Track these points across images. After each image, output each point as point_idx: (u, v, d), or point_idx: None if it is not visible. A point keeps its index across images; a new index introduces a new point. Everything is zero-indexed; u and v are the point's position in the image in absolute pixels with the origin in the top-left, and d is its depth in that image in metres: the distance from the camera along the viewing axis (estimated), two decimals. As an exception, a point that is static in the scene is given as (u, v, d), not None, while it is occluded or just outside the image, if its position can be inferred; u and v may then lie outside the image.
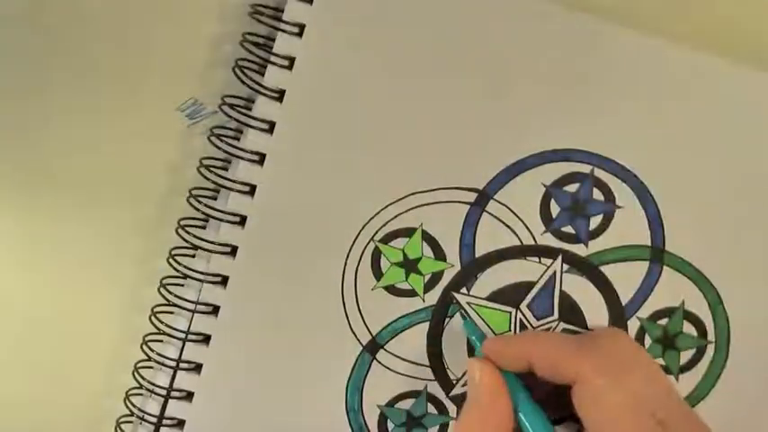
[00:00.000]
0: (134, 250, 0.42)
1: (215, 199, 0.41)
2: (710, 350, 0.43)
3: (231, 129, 0.40)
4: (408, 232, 0.41)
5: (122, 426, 0.42)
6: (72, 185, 0.42)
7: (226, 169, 0.40)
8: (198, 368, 0.41)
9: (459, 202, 0.41)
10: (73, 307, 0.42)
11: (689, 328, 0.43)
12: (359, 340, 0.42)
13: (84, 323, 0.42)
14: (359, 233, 0.41)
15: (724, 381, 0.43)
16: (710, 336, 0.43)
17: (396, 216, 0.41)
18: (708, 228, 0.42)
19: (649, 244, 0.42)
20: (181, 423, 0.41)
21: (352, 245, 0.41)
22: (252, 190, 0.40)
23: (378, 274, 0.41)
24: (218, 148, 0.40)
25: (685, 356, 0.43)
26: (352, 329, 0.42)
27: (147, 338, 0.41)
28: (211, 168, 0.40)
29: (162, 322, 0.41)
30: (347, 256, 0.41)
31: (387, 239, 0.41)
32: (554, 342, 0.38)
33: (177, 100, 0.40)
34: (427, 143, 0.40)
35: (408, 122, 0.40)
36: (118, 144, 0.41)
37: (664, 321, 0.42)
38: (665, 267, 0.42)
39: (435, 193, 0.40)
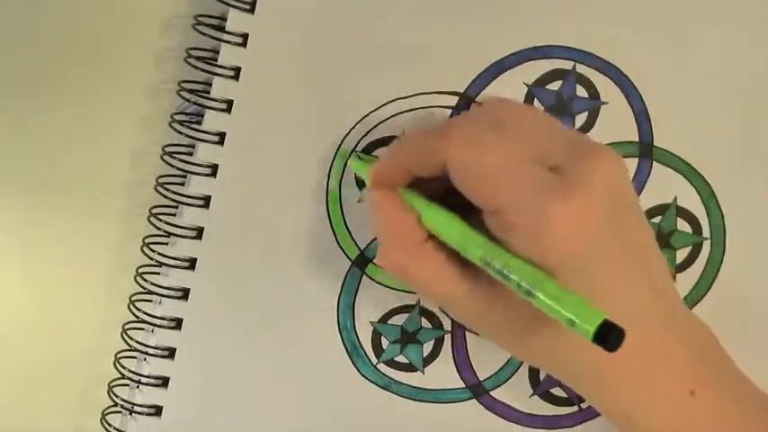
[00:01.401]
0: (107, 240, 0.41)
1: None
2: (707, 247, 0.42)
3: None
4: (389, 140, 0.40)
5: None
6: (44, 180, 0.41)
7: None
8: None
9: (441, 106, 0.40)
10: (50, 300, 0.41)
11: (683, 226, 0.42)
12: (347, 255, 0.41)
13: (63, 315, 0.41)
14: (339, 145, 0.40)
15: (722, 277, 0.42)
16: (705, 232, 0.42)
17: (376, 125, 0.40)
18: (696, 120, 0.41)
19: (637, 140, 0.41)
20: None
21: (334, 158, 0.40)
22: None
23: (363, 184, 0.40)
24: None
25: (682, 255, 0.42)
26: (339, 245, 0.41)
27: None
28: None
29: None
30: (330, 168, 0.40)
31: (369, 149, 0.40)
32: (416, 139, 0.35)
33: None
34: (405, 49, 0.39)
35: (383, 31, 0.39)
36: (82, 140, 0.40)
37: (657, 219, 0.42)
38: (654, 163, 0.41)
39: (415, 99, 0.40)
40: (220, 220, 0.40)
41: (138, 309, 0.40)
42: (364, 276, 0.41)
